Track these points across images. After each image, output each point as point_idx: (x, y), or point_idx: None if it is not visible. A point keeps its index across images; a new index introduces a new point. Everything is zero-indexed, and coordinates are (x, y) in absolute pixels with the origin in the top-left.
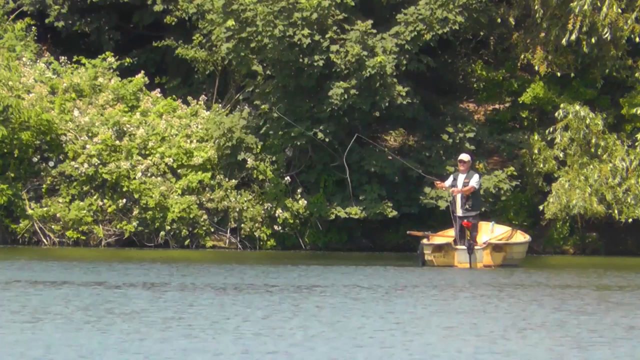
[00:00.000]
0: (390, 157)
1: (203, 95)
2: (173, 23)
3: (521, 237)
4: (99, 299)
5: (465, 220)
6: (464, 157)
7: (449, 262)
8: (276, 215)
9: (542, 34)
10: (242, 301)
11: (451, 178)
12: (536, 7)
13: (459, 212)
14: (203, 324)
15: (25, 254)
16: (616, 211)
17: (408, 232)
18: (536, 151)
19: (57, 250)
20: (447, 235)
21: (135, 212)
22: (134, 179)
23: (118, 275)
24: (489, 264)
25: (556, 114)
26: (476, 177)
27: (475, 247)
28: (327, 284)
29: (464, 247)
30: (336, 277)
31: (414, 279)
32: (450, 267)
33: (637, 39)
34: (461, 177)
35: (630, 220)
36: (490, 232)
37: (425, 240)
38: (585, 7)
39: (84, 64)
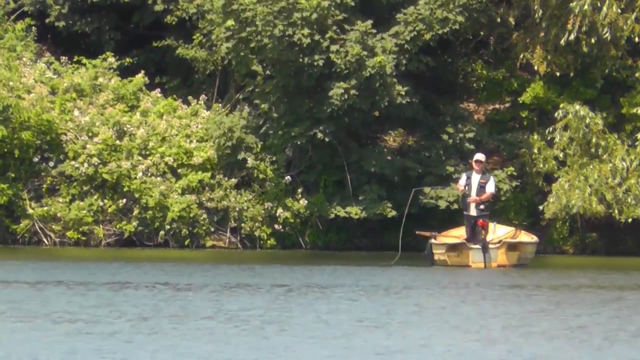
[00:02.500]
0: (390, 157)
1: (203, 95)
2: (173, 23)
3: (526, 237)
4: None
5: (481, 220)
6: (481, 156)
7: (464, 262)
8: (276, 214)
9: (542, 34)
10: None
11: (464, 177)
12: (536, 7)
13: (473, 212)
14: None
15: (25, 254)
16: (616, 211)
17: (417, 232)
18: (536, 151)
19: (58, 250)
20: (451, 235)
21: (135, 211)
22: (134, 178)
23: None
24: (504, 264)
25: (556, 114)
26: (492, 180)
27: (490, 247)
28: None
29: (478, 246)
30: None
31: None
32: (466, 267)
33: (637, 39)
34: (476, 177)
35: (630, 220)
36: (492, 232)
37: (433, 240)
38: (585, 7)
39: (84, 64)
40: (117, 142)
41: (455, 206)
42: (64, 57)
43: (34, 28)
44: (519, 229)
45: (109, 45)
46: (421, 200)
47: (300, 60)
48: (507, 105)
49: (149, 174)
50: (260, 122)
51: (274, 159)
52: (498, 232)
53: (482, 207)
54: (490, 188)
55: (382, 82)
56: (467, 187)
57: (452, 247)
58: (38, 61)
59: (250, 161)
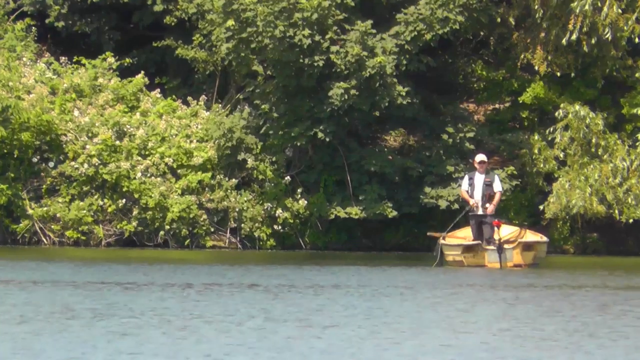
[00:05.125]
0: (390, 157)
1: (203, 96)
2: (173, 23)
3: (533, 236)
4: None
5: (496, 220)
6: (483, 157)
7: (479, 262)
8: (276, 215)
9: (542, 34)
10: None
11: (466, 179)
12: (536, 7)
13: (481, 211)
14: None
15: (25, 254)
16: (617, 211)
17: (428, 233)
18: (536, 151)
19: (58, 250)
20: (457, 236)
21: (135, 212)
22: (134, 179)
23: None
24: (519, 264)
25: (556, 114)
26: (497, 178)
27: (505, 247)
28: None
29: (493, 247)
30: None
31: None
32: (482, 267)
33: (637, 40)
34: (480, 177)
35: (630, 220)
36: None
37: (442, 241)
38: (586, 7)
39: (84, 65)
40: (117, 142)
41: (456, 206)
42: (63, 58)
43: (33, 28)
44: (524, 228)
45: (108, 45)
46: (422, 200)
47: (301, 60)
48: (507, 105)
49: (149, 174)
50: (261, 123)
51: (274, 159)
52: (502, 231)
53: (488, 205)
54: (498, 187)
55: (382, 82)
56: (470, 188)
57: (467, 248)
58: (38, 61)
59: (250, 161)
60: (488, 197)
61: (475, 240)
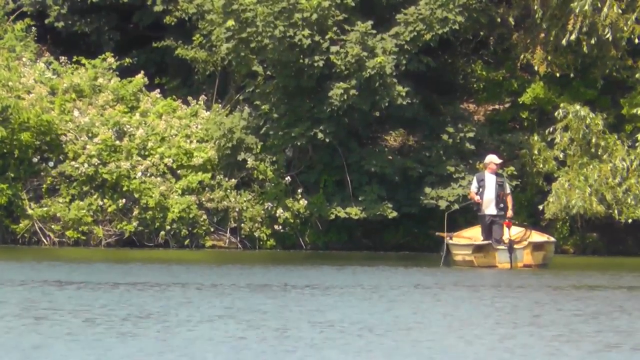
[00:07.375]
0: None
1: (203, 96)
2: (173, 23)
3: (539, 236)
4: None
5: (507, 221)
6: (497, 159)
7: (490, 263)
8: (276, 215)
9: (542, 34)
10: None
11: (475, 181)
12: (536, 7)
13: (493, 211)
14: None
15: (25, 254)
16: (616, 211)
17: (436, 233)
18: (536, 152)
19: (57, 250)
20: (463, 236)
21: (135, 212)
22: (134, 179)
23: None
24: (530, 264)
25: (556, 114)
26: (505, 180)
27: (516, 247)
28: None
29: (504, 247)
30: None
31: None
32: (493, 268)
33: (637, 40)
34: (492, 177)
35: (630, 220)
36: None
37: (449, 240)
38: (586, 7)
39: (83, 65)
40: (117, 142)
41: (456, 206)
42: (63, 58)
43: (33, 28)
44: (529, 228)
45: (108, 45)
46: (422, 201)
47: (301, 61)
48: (507, 105)
49: (149, 174)
50: (261, 123)
51: (274, 159)
52: (510, 232)
53: (501, 205)
54: (507, 189)
55: (382, 82)
56: (481, 189)
57: (478, 248)
58: (37, 61)
59: (250, 162)
60: (501, 197)
61: (485, 240)
